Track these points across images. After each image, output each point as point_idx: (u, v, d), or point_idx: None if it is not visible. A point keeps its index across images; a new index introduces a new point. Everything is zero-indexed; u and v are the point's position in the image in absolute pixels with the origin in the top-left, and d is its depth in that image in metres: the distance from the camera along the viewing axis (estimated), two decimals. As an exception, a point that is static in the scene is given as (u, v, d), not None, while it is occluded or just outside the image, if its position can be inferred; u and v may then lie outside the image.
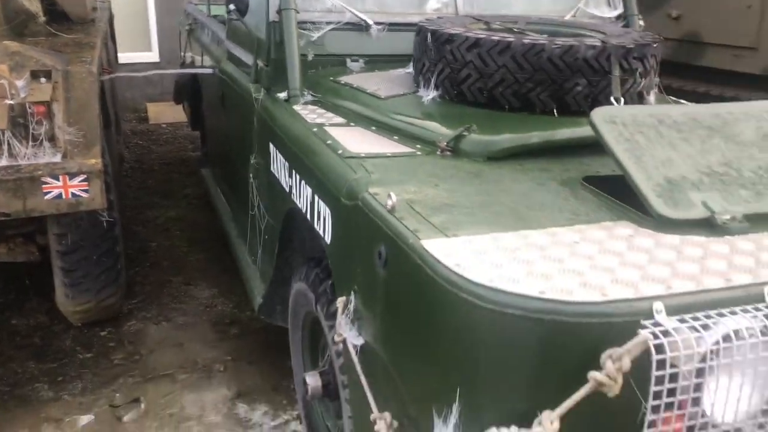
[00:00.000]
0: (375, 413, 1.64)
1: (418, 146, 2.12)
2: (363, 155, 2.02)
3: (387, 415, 1.61)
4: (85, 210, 2.93)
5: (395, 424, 1.60)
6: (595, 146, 1.84)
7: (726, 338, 1.26)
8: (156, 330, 3.55)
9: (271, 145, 2.67)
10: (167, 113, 7.73)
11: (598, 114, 1.74)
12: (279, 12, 2.75)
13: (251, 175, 2.98)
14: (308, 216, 2.20)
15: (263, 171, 2.84)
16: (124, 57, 6.90)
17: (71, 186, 2.86)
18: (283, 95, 2.72)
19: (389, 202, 1.60)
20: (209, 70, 4.06)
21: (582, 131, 2.00)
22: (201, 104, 5.08)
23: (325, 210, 2.03)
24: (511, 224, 1.55)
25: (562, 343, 1.26)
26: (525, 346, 1.28)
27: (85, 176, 2.85)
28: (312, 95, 2.68)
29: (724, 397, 1.31)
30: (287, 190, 2.46)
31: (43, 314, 3.62)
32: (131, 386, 3.08)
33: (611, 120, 1.74)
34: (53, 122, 2.89)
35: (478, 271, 1.33)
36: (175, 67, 6.15)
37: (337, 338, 1.86)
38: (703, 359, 1.26)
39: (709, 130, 1.80)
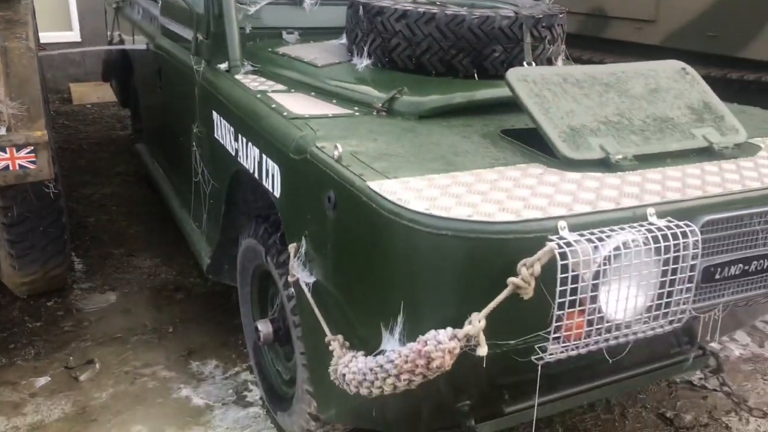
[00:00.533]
0: (329, 336, 1.88)
1: (356, 108, 2.35)
2: (307, 116, 2.24)
3: (340, 336, 1.85)
4: (33, 181, 3.01)
5: (347, 344, 1.85)
6: (511, 105, 2.14)
7: (617, 249, 1.56)
8: (102, 298, 3.67)
9: (215, 113, 2.84)
10: (91, 94, 7.66)
11: (513, 74, 2.02)
12: (217, -13, 2.91)
13: (194, 144, 3.14)
14: (256, 175, 2.40)
15: (206, 139, 3.01)
16: (44, 36, 6.79)
17: (18, 158, 2.94)
18: (223, 66, 2.89)
19: (336, 153, 1.83)
20: (143, 46, 4.15)
21: (499, 92, 2.29)
22: (131, 81, 5.15)
23: (273, 167, 2.24)
24: (441, 168, 1.81)
25: (486, 256, 1.53)
26: (456, 261, 1.55)
27: (32, 148, 2.94)
28: (252, 65, 2.85)
29: (616, 297, 1.61)
30: (233, 153, 2.65)
31: (-13, 288, 3.68)
32: (84, 350, 3.21)
33: (523, 79, 2.02)
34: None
35: (416, 203, 1.58)
36: (99, 46, 6.12)
37: (290, 279, 2.09)
38: (599, 266, 1.55)
39: (606, 86, 2.10)
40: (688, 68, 2.28)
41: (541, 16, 2.53)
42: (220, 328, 3.40)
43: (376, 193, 1.64)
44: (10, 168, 2.95)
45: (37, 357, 3.15)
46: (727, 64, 4.81)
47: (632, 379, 2.28)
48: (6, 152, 2.92)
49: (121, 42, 5.06)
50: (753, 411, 2.71)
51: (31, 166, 2.98)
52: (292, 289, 2.24)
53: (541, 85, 2.02)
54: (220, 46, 2.93)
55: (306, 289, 2.03)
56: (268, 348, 2.80)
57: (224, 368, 3.11)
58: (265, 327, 2.58)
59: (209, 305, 3.61)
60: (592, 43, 5.68)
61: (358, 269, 1.79)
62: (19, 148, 2.93)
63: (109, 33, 5.43)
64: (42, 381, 2.98)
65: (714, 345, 2.75)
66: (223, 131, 2.74)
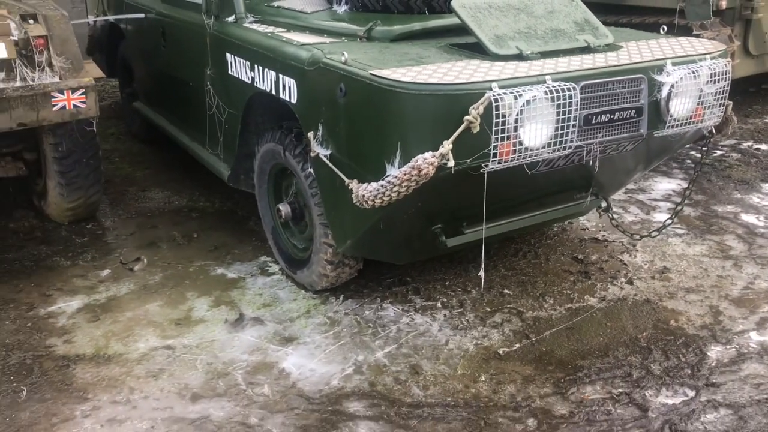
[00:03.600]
0: (347, 180, 2.81)
1: (343, 38, 3.28)
2: (311, 43, 3.15)
3: (355, 180, 2.78)
4: (84, 117, 3.82)
5: (360, 185, 2.78)
6: (452, 31, 3.12)
7: (529, 100, 2.54)
8: (130, 220, 4.49)
9: (228, 55, 3.71)
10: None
11: (456, 2, 2.98)
12: (222, -42, 3.77)
13: (207, 83, 4.00)
14: (273, 92, 3.30)
15: (219, 77, 3.88)
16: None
17: (73, 99, 3.75)
18: (231, 19, 3.76)
19: (343, 58, 2.76)
20: (140, 15, 4.95)
21: (446, 21, 3.27)
22: (119, 52, 5.90)
23: (290, 81, 3.15)
24: (413, 63, 2.75)
25: (449, 106, 2.49)
26: (431, 110, 2.50)
27: (84, 90, 3.75)
28: (253, 17, 3.74)
29: (530, 132, 2.59)
30: (249, 81, 3.53)
31: (32, 218, 4.45)
32: (129, 252, 4.04)
33: (463, 5, 2.98)
34: (50, 52, 3.76)
35: (404, 78, 2.53)
36: (79, 27, 6.78)
37: (312, 154, 3.01)
38: (518, 111, 2.53)
39: (518, 10, 3.08)
40: (574, -3, 3.29)
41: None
42: (235, 233, 4.28)
43: (377, 75, 2.58)
44: (66, 107, 3.76)
45: (94, 259, 3.97)
46: (618, 11, 5.92)
47: (549, 213, 3.30)
48: (63, 94, 3.72)
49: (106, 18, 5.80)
50: (638, 250, 3.81)
51: (82, 106, 3.79)
52: (310, 169, 3.16)
53: (475, 10, 2.98)
54: (227, 3, 3.79)
55: (325, 159, 2.95)
56: (283, 228, 3.71)
57: (245, 256, 4.00)
58: (285, 207, 3.51)
59: (221, 219, 4.48)
60: None
61: (365, 132, 2.73)
62: (74, 90, 3.74)
63: (95, 12, 6.14)
64: (105, 272, 3.82)
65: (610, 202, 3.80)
66: (239, 66, 3.62)
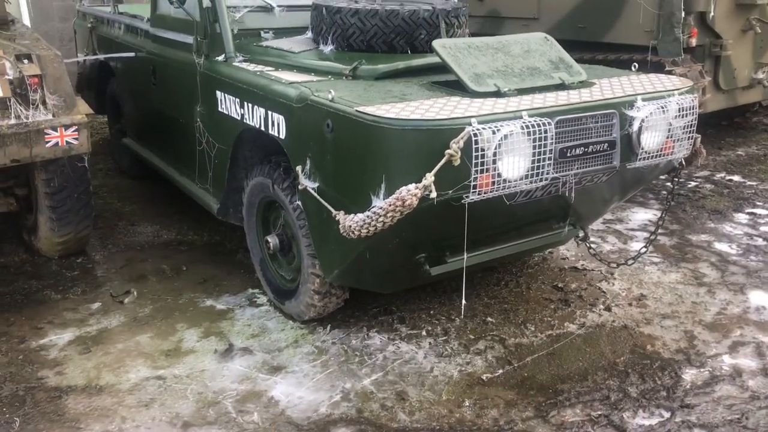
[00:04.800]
0: (335, 212, 2.92)
1: (329, 76, 3.42)
2: (299, 82, 3.29)
3: (341, 212, 2.90)
4: (76, 154, 3.92)
5: (347, 216, 2.89)
6: (434, 69, 3.28)
7: (506, 135, 2.68)
8: (121, 254, 4.56)
9: (218, 92, 3.84)
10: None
11: (437, 43, 3.14)
12: (212, 0, 3.92)
13: (197, 120, 4.12)
14: (262, 128, 3.42)
15: (209, 114, 4.00)
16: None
17: (66, 135, 3.85)
18: (220, 58, 3.90)
19: (330, 96, 2.90)
20: (130, 54, 5.08)
21: (428, 60, 3.42)
22: (108, 89, 6.03)
23: (278, 118, 3.27)
24: (397, 100, 2.89)
25: (431, 140, 2.62)
26: (414, 144, 2.63)
27: (76, 127, 3.86)
28: (242, 56, 3.88)
29: (508, 165, 2.73)
30: (238, 118, 3.66)
31: (22, 253, 4.51)
32: (119, 285, 4.11)
33: (444, 46, 3.14)
34: (44, 91, 3.87)
35: (389, 114, 2.66)
36: (70, 66, 6.91)
37: (300, 187, 3.12)
38: (496, 145, 2.67)
39: (495, 50, 3.24)
40: (549, 37, 3.46)
41: (450, 9, 3.68)
42: (224, 265, 4.36)
43: (362, 112, 2.71)
44: (59, 144, 3.86)
45: (84, 293, 4.04)
46: (594, 48, 6.14)
47: (528, 242, 3.43)
48: (56, 131, 3.83)
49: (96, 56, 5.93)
50: (616, 278, 3.95)
51: (75, 142, 3.90)
52: (298, 202, 3.27)
53: (455, 50, 3.14)
54: (217, 43, 3.94)
55: (313, 192, 3.06)
56: (271, 260, 3.80)
57: (234, 288, 4.08)
58: (273, 239, 3.61)
59: (210, 252, 4.57)
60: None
61: (351, 165, 2.85)
62: (67, 127, 3.84)
63: (84, 50, 6.27)
64: (95, 305, 3.88)
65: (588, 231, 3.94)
66: (228, 104, 3.75)
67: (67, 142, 3.87)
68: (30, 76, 3.81)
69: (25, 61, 3.92)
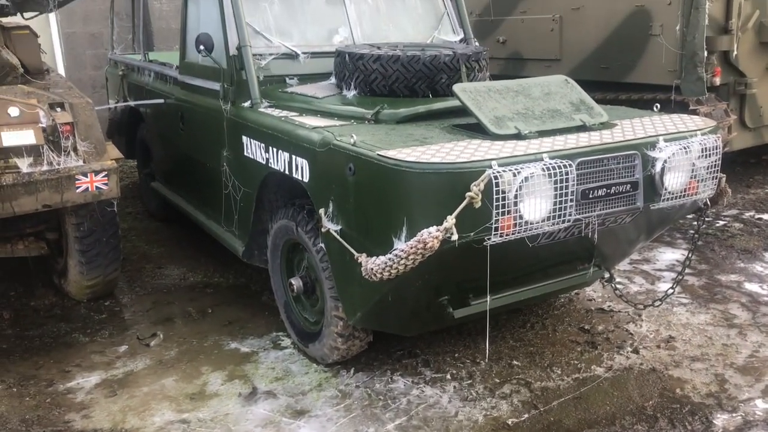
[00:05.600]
0: (356, 254, 2.93)
1: (352, 121, 3.47)
2: (322, 126, 3.34)
3: (363, 254, 2.91)
4: (105, 199, 4.01)
5: (369, 258, 2.90)
6: (455, 112, 3.31)
7: (527, 177, 2.69)
8: (148, 297, 4.62)
9: (244, 137, 3.92)
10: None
11: (458, 87, 3.18)
12: (238, 48, 4.03)
13: (224, 164, 4.20)
14: (287, 171, 3.47)
15: (235, 158, 4.07)
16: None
17: (96, 181, 3.94)
18: (246, 104, 3.99)
19: (352, 140, 2.94)
20: (160, 101, 5.22)
21: (448, 104, 3.46)
22: (137, 135, 6.18)
23: (302, 162, 3.33)
24: (418, 144, 2.92)
25: (452, 183, 2.63)
26: (437, 187, 2.65)
27: (106, 173, 3.95)
28: (267, 102, 3.96)
29: (529, 207, 2.73)
30: (264, 162, 3.72)
31: (52, 296, 4.59)
32: (146, 329, 4.15)
33: (464, 89, 3.18)
34: (75, 138, 3.98)
35: (410, 158, 2.69)
36: (100, 112, 7.11)
37: (323, 230, 3.15)
38: (518, 187, 2.68)
39: (516, 92, 3.27)
40: (569, 79, 3.49)
41: (471, 53, 3.73)
42: (248, 308, 4.39)
43: (384, 156, 2.75)
44: (89, 189, 3.95)
45: (111, 335, 4.08)
46: (617, 88, 6.16)
47: (552, 284, 3.41)
48: (87, 177, 3.92)
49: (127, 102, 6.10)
50: (644, 320, 3.88)
51: (105, 187, 3.98)
52: (321, 244, 3.30)
53: (475, 93, 3.17)
54: (243, 90, 4.03)
55: (336, 234, 3.09)
56: (295, 302, 3.82)
57: (258, 330, 4.09)
58: (297, 282, 3.63)
59: (235, 294, 4.60)
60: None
61: (373, 208, 2.88)
62: (96, 173, 3.94)
63: (116, 97, 6.45)
64: (122, 348, 3.92)
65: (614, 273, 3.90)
66: (254, 148, 3.81)
67: (96, 188, 3.95)
68: (63, 123, 3.92)
69: (58, 109, 4.05)
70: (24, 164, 3.74)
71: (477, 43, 4.81)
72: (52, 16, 8.38)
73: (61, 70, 8.60)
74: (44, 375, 3.64)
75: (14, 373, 3.66)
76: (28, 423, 3.21)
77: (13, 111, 3.80)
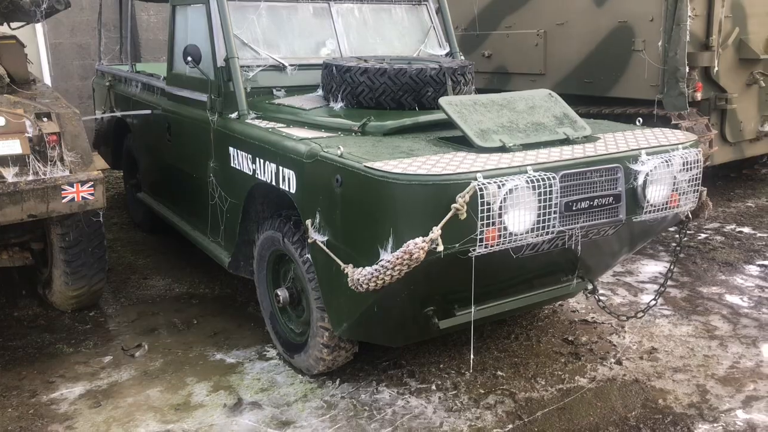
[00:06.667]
0: (343, 265, 2.95)
1: (339, 132, 3.50)
2: (309, 138, 3.37)
3: (350, 265, 2.93)
4: (91, 209, 4.00)
5: (355, 269, 2.92)
6: (441, 125, 3.35)
7: (511, 189, 2.73)
8: (133, 307, 4.60)
9: (231, 148, 3.93)
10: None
11: (443, 100, 3.22)
12: (226, 60, 4.05)
13: (210, 175, 4.21)
14: (273, 182, 3.49)
15: (222, 169, 4.09)
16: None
17: (82, 191, 3.93)
18: (233, 116, 4.01)
19: (339, 151, 2.97)
20: (147, 111, 5.22)
21: (434, 117, 3.50)
22: (123, 146, 6.18)
23: (289, 173, 3.35)
24: (404, 156, 2.96)
25: (437, 194, 2.67)
26: (423, 199, 2.68)
27: (92, 183, 3.95)
28: (255, 113, 3.98)
29: (514, 218, 2.77)
30: (250, 173, 3.73)
31: (36, 307, 4.57)
32: (130, 339, 4.14)
33: (450, 103, 3.22)
34: (62, 148, 3.98)
35: (396, 169, 2.72)
36: (87, 122, 7.10)
37: (309, 240, 3.17)
38: (502, 199, 2.71)
39: (501, 106, 3.32)
40: (553, 93, 3.54)
41: (456, 67, 3.78)
42: (234, 319, 4.39)
43: (370, 167, 2.78)
44: (75, 199, 3.94)
45: (96, 346, 4.06)
46: (600, 102, 6.24)
47: (536, 295, 3.44)
48: (72, 187, 3.91)
49: (113, 113, 6.09)
50: (627, 331, 3.92)
51: (90, 198, 3.97)
52: (307, 255, 3.31)
53: (460, 106, 3.22)
54: (230, 101, 4.05)
55: (322, 245, 3.11)
56: (281, 313, 3.82)
57: (244, 341, 4.09)
58: (283, 292, 3.64)
59: (221, 305, 4.60)
60: (499, 94, 7.06)
61: (359, 219, 2.90)
62: (83, 183, 3.93)
63: (102, 107, 6.44)
64: (106, 359, 3.90)
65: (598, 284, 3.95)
66: (240, 159, 3.83)
67: (82, 198, 3.95)
68: (49, 133, 3.92)
69: (45, 119, 4.04)
70: (9, 174, 3.73)
71: (463, 57, 4.86)
72: (39, 27, 8.36)
73: (48, 81, 8.57)
74: (27, 386, 3.62)
75: (-3, 384, 3.64)
76: (11, 434, 3.20)
77: (-1, 120, 3.80)
